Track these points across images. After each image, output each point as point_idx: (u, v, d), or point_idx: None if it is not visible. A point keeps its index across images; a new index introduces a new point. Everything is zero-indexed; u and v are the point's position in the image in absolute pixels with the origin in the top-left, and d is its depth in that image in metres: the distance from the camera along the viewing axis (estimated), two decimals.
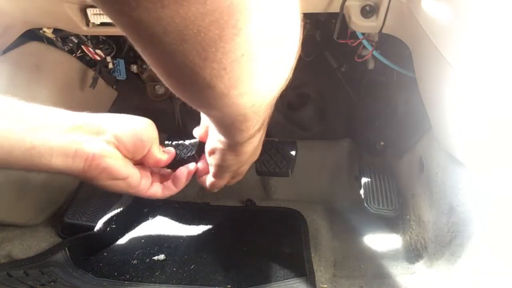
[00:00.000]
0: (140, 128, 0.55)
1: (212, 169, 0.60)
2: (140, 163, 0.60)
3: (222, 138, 0.50)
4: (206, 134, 0.60)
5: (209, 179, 0.63)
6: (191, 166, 0.63)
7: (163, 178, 0.64)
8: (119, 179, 0.54)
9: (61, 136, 0.47)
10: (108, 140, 0.51)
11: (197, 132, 0.63)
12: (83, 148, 0.49)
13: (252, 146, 0.52)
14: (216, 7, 0.24)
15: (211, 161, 0.58)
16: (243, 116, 0.40)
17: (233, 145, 0.50)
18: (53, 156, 0.47)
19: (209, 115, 0.43)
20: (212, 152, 0.56)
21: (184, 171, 0.62)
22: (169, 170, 0.65)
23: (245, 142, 0.49)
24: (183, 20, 0.25)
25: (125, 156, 0.54)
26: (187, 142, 0.65)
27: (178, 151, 0.64)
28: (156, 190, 0.61)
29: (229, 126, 0.44)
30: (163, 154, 0.60)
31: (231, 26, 0.26)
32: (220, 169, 0.58)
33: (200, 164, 0.65)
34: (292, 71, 0.36)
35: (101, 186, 0.53)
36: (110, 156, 0.51)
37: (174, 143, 0.65)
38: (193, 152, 0.63)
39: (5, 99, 0.47)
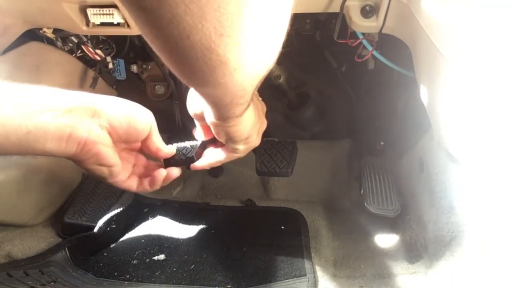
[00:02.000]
0: (135, 116, 0.55)
1: (225, 145, 0.62)
2: (134, 149, 0.61)
3: (220, 117, 0.52)
4: (201, 114, 0.61)
5: (219, 156, 0.64)
6: (174, 172, 0.63)
7: (146, 171, 0.64)
8: (105, 165, 0.54)
9: (55, 119, 0.47)
10: (101, 125, 0.51)
11: (192, 107, 0.62)
12: (77, 132, 0.49)
13: (251, 112, 0.54)
14: None
15: (219, 138, 0.60)
16: (244, 91, 0.42)
17: (232, 120, 0.52)
18: (47, 140, 0.47)
19: (210, 95, 0.45)
20: (218, 134, 0.58)
21: (163, 174, 0.61)
22: (157, 164, 0.64)
23: (242, 113, 0.51)
24: None
25: (116, 141, 0.54)
26: (187, 143, 0.65)
27: (177, 151, 0.64)
28: (131, 184, 0.61)
29: (228, 104, 0.45)
30: (164, 145, 0.60)
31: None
32: (232, 143, 0.59)
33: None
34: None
35: (85, 169, 0.54)
36: (102, 142, 0.52)
37: (174, 144, 0.65)
38: (192, 154, 0.63)
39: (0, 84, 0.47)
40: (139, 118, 0.55)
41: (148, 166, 0.64)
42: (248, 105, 0.51)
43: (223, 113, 0.50)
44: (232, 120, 0.52)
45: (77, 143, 0.49)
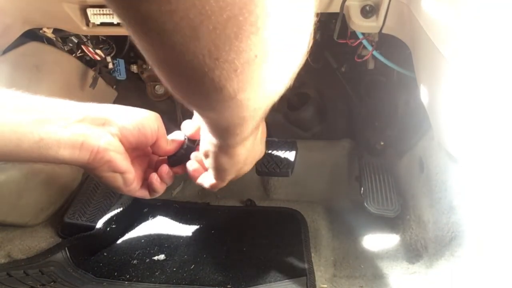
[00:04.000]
0: (144, 123, 0.55)
1: (210, 172, 0.60)
2: (145, 155, 0.61)
3: (214, 140, 0.49)
4: (196, 133, 0.60)
5: (208, 180, 0.63)
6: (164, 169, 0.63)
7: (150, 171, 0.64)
8: (118, 172, 0.54)
9: (68, 128, 0.48)
10: (113, 133, 0.52)
11: (187, 128, 0.62)
12: (89, 140, 0.50)
13: (245, 149, 0.51)
14: (236, 1, 0.22)
15: (207, 164, 0.58)
16: (242, 120, 0.38)
17: (225, 148, 0.49)
18: (60, 148, 0.48)
19: (205, 117, 0.42)
20: (206, 155, 0.55)
21: (170, 173, 0.62)
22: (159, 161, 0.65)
23: (237, 145, 0.48)
24: (199, 15, 0.22)
25: (127, 148, 0.55)
26: (186, 138, 0.65)
27: (181, 150, 0.64)
28: (145, 193, 0.62)
29: (224, 129, 0.42)
30: (171, 145, 0.61)
31: (249, 23, 0.24)
32: (217, 172, 0.57)
33: (193, 165, 0.63)
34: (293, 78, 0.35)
35: (99, 177, 0.54)
36: (114, 149, 0.52)
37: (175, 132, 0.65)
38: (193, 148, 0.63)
39: (12, 93, 0.47)
40: (148, 124, 0.55)
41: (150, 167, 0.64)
42: (245, 139, 0.47)
43: (217, 137, 0.47)
44: (225, 148, 0.49)
45: (90, 151, 0.50)
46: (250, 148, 0.52)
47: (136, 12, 0.23)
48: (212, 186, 0.62)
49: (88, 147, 0.50)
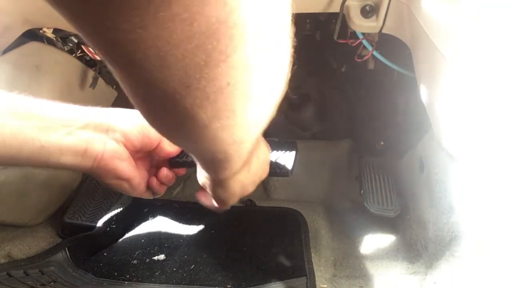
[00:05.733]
0: (148, 126, 0.55)
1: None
2: (148, 155, 0.61)
3: (206, 174, 0.48)
4: None
5: (213, 203, 0.61)
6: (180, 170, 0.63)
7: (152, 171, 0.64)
8: (123, 179, 0.54)
9: (70, 135, 0.48)
10: (117, 139, 0.52)
11: None
12: (92, 147, 0.49)
13: (239, 183, 0.48)
14: (204, 30, 0.22)
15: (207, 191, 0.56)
16: (224, 154, 0.36)
17: (218, 182, 0.47)
18: (62, 155, 0.48)
19: (188, 149, 0.41)
20: (203, 185, 0.53)
21: (169, 175, 0.61)
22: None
23: (229, 178, 0.46)
24: (166, 44, 0.22)
25: (132, 152, 0.55)
26: None
27: (184, 152, 0.63)
28: (150, 194, 0.62)
29: (210, 162, 0.41)
30: (173, 147, 0.61)
31: (218, 51, 0.23)
32: (217, 201, 0.55)
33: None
34: (277, 108, 0.33)
35: (105, 184, 0.54)
36: (119, 156, 0.52)
37: None
38: None
39: (14, 96, 0.47)
40: (151, 127, 0.55)
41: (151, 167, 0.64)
42: (236, 173, 0.45)
43: (206, 170, 0.46)
44: (217, 182, 0.47)
45: (93, 158, 0.50)
46: (245, 178, 0.49)
47: (104, 40, 0.23)
48: (216, 209, 0.60)
49: (91, 154, 0.49)
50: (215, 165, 0.41)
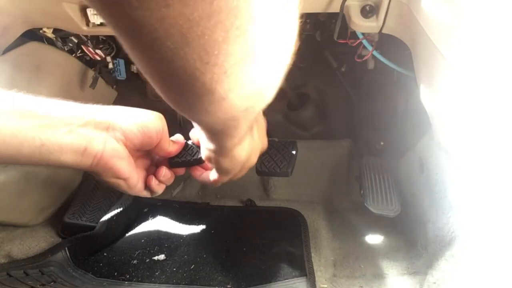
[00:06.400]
0: (149, 124, 0.55)
1: (213, 172, 0.60)
2: (148, 153, 0.61)
3: (212, 146, 0.49)
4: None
5: (211, 177, 0.63)
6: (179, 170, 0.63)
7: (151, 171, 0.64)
8: (121, 178, 0.55)
9: (71, 133, 0.48)
10: (117, 138, 0.52)
11: (194, 136, 0.62)
12: (92, 146, 0.49)
13: (244, 149, 0.51)
14: (223, 7, 0.23)
15: (210, 165, 0.58)
16: (235, 121, 0.39)
17: (224, 151, 0.50)
18: (62, 153, 0.48)
19: (199, 122, 0.43)
20: (208, 159, 0.56)
21: (168, 174, 0.62)
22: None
23: (235, 147, 0.49)
24: (188, 21, 0.23)
25: (131, 150, 0.55)
26: (190, 142, 0.65)
27: (183, 152, 0.63)
28: (147, 193, 0.62)
29: (219, 132, 0.43)
30: (173, 146, 0.61)
31: (236, 27, 0.25)
32: (221, 173, 0.57)
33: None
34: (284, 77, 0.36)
35: (103, 182, 0.55)
36: (118, 155, 0.52)
37: (177, 135, 0.65)
38: (199, 155, 0.62)
39: (13, 94, 0.47)
40: (152, 126, 0.55)
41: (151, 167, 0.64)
42: (242, 139, 0.48)
43: (214, 141, 0.48)
44: (224, 151, 0.50)
45: (93, 156, 0.50)
46: (249, 146, 0.53)
47: (129, 19, 0.24)
48: (215, 181, 0.62)
49: (91, 152, 0.49)
50: (225, 134, 0.43)
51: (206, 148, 0.52)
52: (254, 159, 0.58)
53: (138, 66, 0.30)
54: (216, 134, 0.44)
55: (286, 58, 0.33)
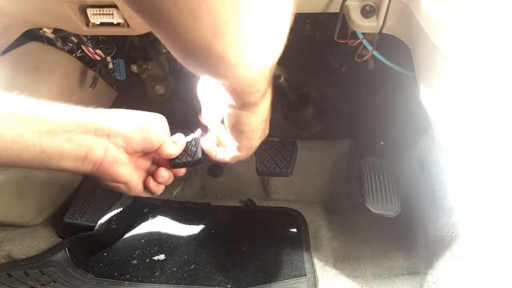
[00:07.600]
0: (150, 129, 0.55)
1: (232, 144, 0.60)
2: (146, 154, 0.61)
3: (235, 102, 0.51)
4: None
5: (230, 153, 0.62)
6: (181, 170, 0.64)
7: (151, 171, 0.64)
8: (121, 182, 0.55)
9: (72, 141, 0.48)
10: (117, 144, 0.52)
11: (204, 94, 0.62)
12: (93, 153, 0.50)
13: (266, 107, 0.53)
14: None
15: (230, 131, 0.57)
16: (253, 81, 0.43)
17: (248, 107, 0.51)
18: (63, 160, 0.48)
19: (222, 84, 0.46)
20: (225, 117, 0.55)
21: (166, 175, 0.62)
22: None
23: (259, 100, 0.50)
24: (196, 0, 0.28)
25: (132, 154, 0.55)
26: (189, 138, 0.65)
27: (184, 152, 0.63)
28: (148, 193, 0.62)
29: (241, 91, 0.46)
30: (173, 149, 0.60)
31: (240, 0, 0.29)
32: (245, 136, 0.57)
33: (209, 144, 0.63)
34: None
35: (103, 185, 0.56)
36: (118, 162, 0.53)
37: (177, 134, 0.65)
38: (199, 156, 0.62)
39: (14, 98, 0.47)
40: (154, 130, 0.55)
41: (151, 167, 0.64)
42: (264, 94, 0.50)
43: (238, 99, 0.50)
44: (247, 107, 0.51)
45: (93, 163, 0.51)
46: (267, 107, 0.55)
47: (147, 3, 0.29)
48: (236, 158, 0.62)
49: (91, 159, 0.50)
50: (246, 91, 0.47)
51: (229, 105, 0.52)
52: (267, 129, 0.61)
53: (164, 44, 0.35)
54: (239, 92, 0.47)
55: (287, 22, 0.37)
